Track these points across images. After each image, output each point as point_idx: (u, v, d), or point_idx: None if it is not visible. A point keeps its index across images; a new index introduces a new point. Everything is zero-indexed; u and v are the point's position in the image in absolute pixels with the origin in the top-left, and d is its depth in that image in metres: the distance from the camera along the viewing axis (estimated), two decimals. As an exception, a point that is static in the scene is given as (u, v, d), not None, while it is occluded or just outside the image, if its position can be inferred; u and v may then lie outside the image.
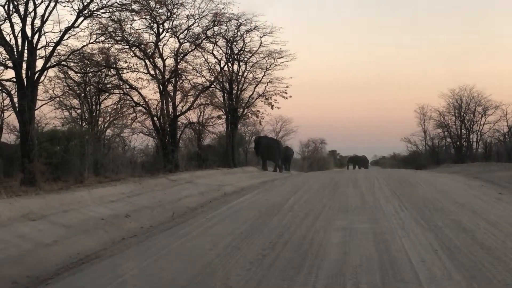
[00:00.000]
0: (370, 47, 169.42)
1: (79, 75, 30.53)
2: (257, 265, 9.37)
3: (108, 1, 23.78)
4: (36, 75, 21.88)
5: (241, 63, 45.50)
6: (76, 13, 22.86)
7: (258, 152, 50.32)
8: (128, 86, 33.76)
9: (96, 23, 26.39)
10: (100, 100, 34.25)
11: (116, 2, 24.09)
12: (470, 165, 47.69)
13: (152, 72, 34.32)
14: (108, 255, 10.94)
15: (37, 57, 21.97)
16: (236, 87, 45.40)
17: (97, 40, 26.39)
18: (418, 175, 36.73)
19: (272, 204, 19.23)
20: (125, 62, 32.80)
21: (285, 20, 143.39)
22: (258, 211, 17.11)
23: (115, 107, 35.42)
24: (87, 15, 23.49)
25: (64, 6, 22.79)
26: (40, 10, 21.82)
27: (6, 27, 21.44)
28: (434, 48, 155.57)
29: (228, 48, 43.60)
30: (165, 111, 34.82)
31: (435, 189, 23.85)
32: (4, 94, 27.83)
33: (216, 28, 38.61)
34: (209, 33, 38.09)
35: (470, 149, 61.43)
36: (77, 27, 23.14)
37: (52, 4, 21.97)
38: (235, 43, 43.64)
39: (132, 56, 33.35)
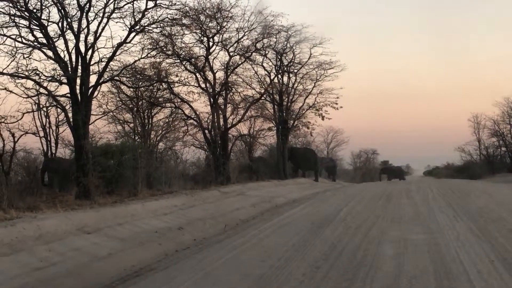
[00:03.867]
0: (421, 55, 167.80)
1: (131, 89, 30.89)
2: (311, 277, 9.32)
3: (159, 16, 24.05)
4: (90, 90, 22.22)
5: (291, 75, 45.55)
6: (128, 29, 23.19)
7: (294, 162, 49.97)
8: (179, 100, 34.08)
9: (147, 38, 26.70)
10: (152, 114, 34.56)
11: (167, 17, 24.32)
12: (527, 174, 46.73)
13: (203, 85, 34.61)
14: (162, 267, 11.02)
15: (91, 73, 22.31)
16: (286, 99, 45.43)
17: (149, 55, 26.65)
18: (472, 184, 36.13)
19: (324, 215, 19.12)
20: (176, 76, 33.14)
21: (335, 29, 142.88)
22: (310, 222, 17.04)
23: (167, 120, 35.77)
24: (138, 30, 23.78)
25: (116, 22, 23.16)
26: (93, 27, 22.21)
27: (60, 43, 21.87)
28: (488, 55, 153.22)
29: (277, 60, 43.67)
30: (216, 124, 35.01)
31: (490, 199, 23.41)
32: (59, 110, 28.31)
33: (265, 40, 38.74)
34: (258, 45, 38.21)
35: (526, 158, 60.20)
36: (129, 42, 23.45)
37: (105, 20, 22.33)
38: (284, 54, 43.70)
39: (183, 70, 33.71)
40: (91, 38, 22.09)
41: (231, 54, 36.43)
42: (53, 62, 21.91)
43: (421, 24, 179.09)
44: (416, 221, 16.57)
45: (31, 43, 21.50)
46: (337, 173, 63.11)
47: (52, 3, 21.46)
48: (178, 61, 32.87)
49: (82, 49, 21.84)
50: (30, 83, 22.94)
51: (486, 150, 64.94)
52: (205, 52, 34.60)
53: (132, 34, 23.47)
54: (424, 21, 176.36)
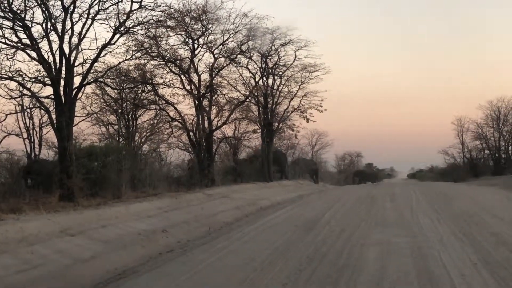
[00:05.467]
0: (406, 59, 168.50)
1: (115, 91, 30.78)
2: (294, 279, 9.33)
3: (144, 18, 23.95)
4: (74, 92, 22.08)
5: (275, 77, 45.53)
6: (112, 30, 23.06)
7: None
8: (164, 102, 33.96)
9: (132, 40, 26.58)
10: (137, 115, 34.48)
11: (152, 19, 24.23)
12: (510, 177, 46.91)
13: (188, 87, 34.51)
14: (145, 270, 10.99)
15: (75, 74, 22.17)
16: (271, 101, 45.40)
17: (133, 57, 26.54)
18: (456, 188, 36.35)
19: (308, 218, 19.16)
20: (161, 77, 33.01)
21: (320, 32, 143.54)
22: (295, 225, 17.07)
23: (151, 122, 35.70)
24: (123, 32, 23.67)
25: (101, 24, 23.03)
26: (77, 28, 22.05)
27: (44, 45, 21.72)
28: (472, 60, 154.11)
29: (262, 62, 43.66)
30: (201, 126, 34.95)
31: (473, 202, 23.55)
32: (42, 111, 28.16)
33: (250, 42, 38.72)
34: (243, 47, 38.18)
35: (509, 161, 60.50)
36: (114, 44, 23.33)
37: (89, 22, 22.19)
38: (269, 57, 43.69)
39: (168, 72, 33.58)
40: (75, 40, 21.97)
41: (216, 56, 36.42)
42: (36, 63, 21.77)
43: (405, 29, 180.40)
44: (399, 224, 16.65)
45: (14, 44, 21.35)
46: (319, 175, 63.51)
47: (36, 4, 21.33)
48: (163, 63, 32.77)
49: (66, 50, 21.71)
50: (13, 84, 22.79)
51: (470, 153, 65.23)
52: (190, 54, 34.54)
53: (117, 36, 23.36)
54: (409, 26, 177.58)
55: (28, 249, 11.52)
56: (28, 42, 21.33)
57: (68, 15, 21.61)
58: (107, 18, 22.99)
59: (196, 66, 35.21)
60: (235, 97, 40.03)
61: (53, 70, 21.44)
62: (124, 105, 33.14)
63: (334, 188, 51.07)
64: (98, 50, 22.66)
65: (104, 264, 11.55)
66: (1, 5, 20.59)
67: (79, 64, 22.45)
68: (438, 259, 10.60)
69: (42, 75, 22.14)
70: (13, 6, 20.78)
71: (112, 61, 25.36)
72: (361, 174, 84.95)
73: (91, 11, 22.21)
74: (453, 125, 65.94)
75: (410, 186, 44.14)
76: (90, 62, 22.64)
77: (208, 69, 36.28)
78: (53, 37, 21.71)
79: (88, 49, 22.72)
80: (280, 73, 45.28)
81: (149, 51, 29.29)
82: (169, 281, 9.74)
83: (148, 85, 32.01)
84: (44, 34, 21.59)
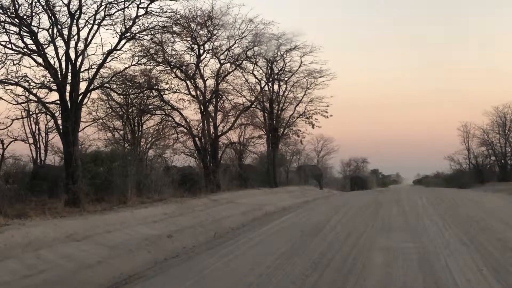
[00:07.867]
0: (412, 64, 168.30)
1: (121, 96, 30.83)
2: (300, 285, 9.30)
3: (150, 24, 24.02)
4: (80, 97, 22.13)
5: (281, 83, 45.64)
6: (118, 36, 23.14)
7: None
8: (169, 107, 34.05)
9: (138, 45, 26.69)
10: (142, 121, 34.49)
11: (158, 25, 24.29)
12: (516, 183, 46.80)
13: (193, 93, 34.61)
14: (151, 275, 10.97)
15: (81, 80, 22.23)
16: (277, 107, 45.49)
17: (139, 62, 26.61)
18: (462, 194, 36.22)
19: (314, 223, 19.12)
20: (167, 83, 33.12)
21: (325, 38, 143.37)
22: (300, 230, 17.03)
23: (157, 128, 35.71)
24: (129, 37, 23.72)
25: (107, 29, 23.12)
26: (83, 34, 22.15)
27: (50, 50, 21.81)
28: (478, 66, 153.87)
29: (268, 68, 43.77)
30: (206, 132, 35.00)
31: (479, 208, 23.49)
32: (48, 117, 28.19)
33: (256, 48, 38.83)
34: (249, 53, 38.33)
35: (515, 167, 60.38)
36: (120, 49, 23.39)
37: (95, 27, 22.28)
38: (275, 63, 43.80)
39: (174, 77, 33.70)
40: (81, 45, 22.04)
41: (221, 61, 36.55)
42: (43, 68, 21.84)
43: (412, 35, 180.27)
44: (405, 230, 16.60)
45: (21, 50, 21.42)
46: (324, 181, 63.59)
47: (42, 10, 21.43)
48: (169, 68, 32.88)
49: (72, 56, 21.77)
50: (19, 90, 22.82)
51: (476, 159, 65.15)
52: (196, 60, 34.66)
53: (123, 41, 23.44)
54: (415, 31, 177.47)
55: (34, 254, 11.52)
56: (34, 47, 21.41)
57: (74, 20, 21.71)
58: (113, 24, 23.10)
59: (202, 71, 35.39)
60: (240, 102, 40.24)
61: (59, 75, 21.50)
62: (129, 110, 33.18)
63: (339, 194, 50.98)
64: (104, 55, 22.74)
65: (110, 269, 11.54)
66: (8, 10, 20.68)
67: (85, 70, 22.54)
68: (444, 265, 10.56)
69: (48, 80, 22.20)
70: (19, 11, 20.88)
71: (118, 67, 25.48)
72: (357, 179, 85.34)
73: (97, 16, 22.33)
74: (459, 131, 65.95)
75: (415, 192, 44.05)
76: (96, 67, 22.72)
77: (213, 75, 36.45)
78: (59, 42, 21.82)
79: (94, 54, 22.81)
80: (286, 78, 45.47)
81: (155, 56, 29.38)
82: (175, 286, 9.73)
83: (153, 91, 32.07)
84: (50, 39, 21.68)
